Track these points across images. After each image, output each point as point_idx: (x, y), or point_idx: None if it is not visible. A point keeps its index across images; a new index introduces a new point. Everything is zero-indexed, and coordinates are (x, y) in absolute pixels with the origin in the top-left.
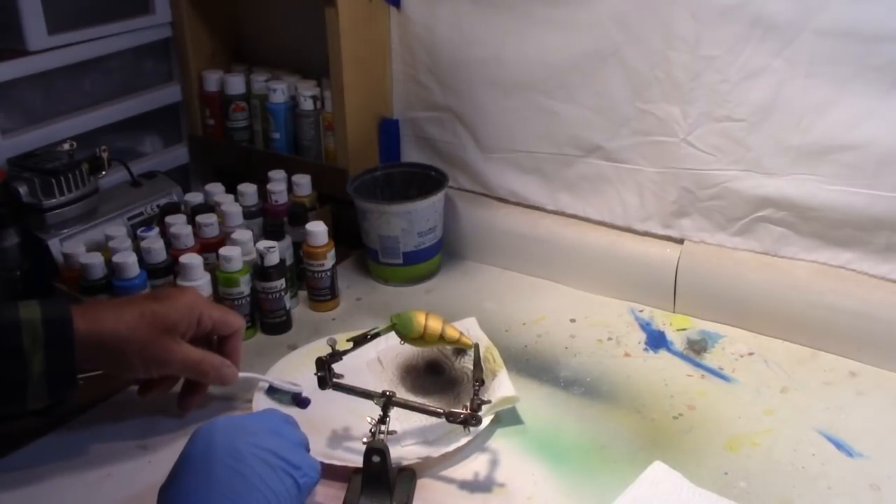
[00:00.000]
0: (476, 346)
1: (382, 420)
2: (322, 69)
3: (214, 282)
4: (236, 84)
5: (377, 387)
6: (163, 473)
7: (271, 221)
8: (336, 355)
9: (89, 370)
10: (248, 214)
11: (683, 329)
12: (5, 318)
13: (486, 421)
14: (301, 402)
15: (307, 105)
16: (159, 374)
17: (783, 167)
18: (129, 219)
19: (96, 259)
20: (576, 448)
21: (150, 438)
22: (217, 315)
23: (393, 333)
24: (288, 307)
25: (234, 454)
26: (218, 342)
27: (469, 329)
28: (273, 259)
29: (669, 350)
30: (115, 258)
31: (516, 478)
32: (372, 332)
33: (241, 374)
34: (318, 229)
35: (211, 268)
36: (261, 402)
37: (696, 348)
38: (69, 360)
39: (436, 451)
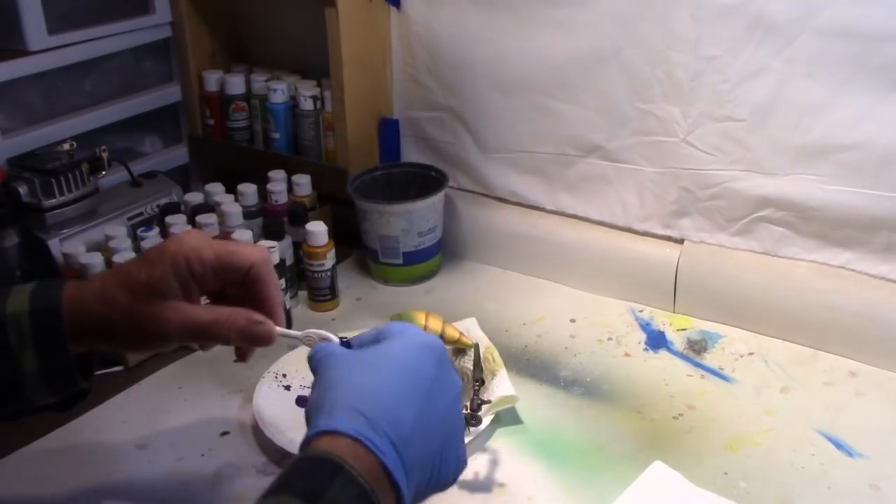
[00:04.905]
0: (476, 346)
1: None
2: (322, 69)
3: None
4: (236, 84)
5: None
6: (163, 473)
7: (271, 221)
8: None
9: (96, 357)
10: (248, 214)
11: (683, 329)
12: None
13: (486, 421)
14: (301, 400)
15: (307, 105)
16: (166, 348)
17: (783, 167)
18: (130, 219)
19: (96, 259)
20: (575, 448)
21: (150, 438)
22: (213, 254)
23: None
24: (288, 307)
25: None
26: (252, 290)
27: (469, 329)
28: (273, 259)
29: (669, 350)
30: (116, 258)
31: (516, 478)
32: None
33: (280, 330)
34: (318, 229)
35: None
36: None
37: (696, 348)
38: (63, 354)
39: None
